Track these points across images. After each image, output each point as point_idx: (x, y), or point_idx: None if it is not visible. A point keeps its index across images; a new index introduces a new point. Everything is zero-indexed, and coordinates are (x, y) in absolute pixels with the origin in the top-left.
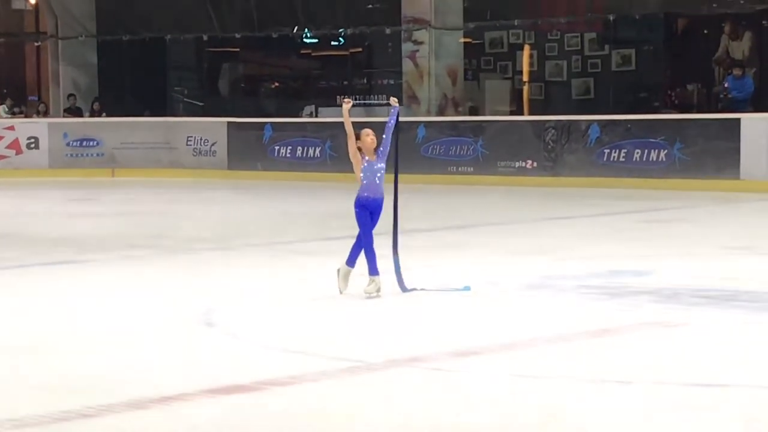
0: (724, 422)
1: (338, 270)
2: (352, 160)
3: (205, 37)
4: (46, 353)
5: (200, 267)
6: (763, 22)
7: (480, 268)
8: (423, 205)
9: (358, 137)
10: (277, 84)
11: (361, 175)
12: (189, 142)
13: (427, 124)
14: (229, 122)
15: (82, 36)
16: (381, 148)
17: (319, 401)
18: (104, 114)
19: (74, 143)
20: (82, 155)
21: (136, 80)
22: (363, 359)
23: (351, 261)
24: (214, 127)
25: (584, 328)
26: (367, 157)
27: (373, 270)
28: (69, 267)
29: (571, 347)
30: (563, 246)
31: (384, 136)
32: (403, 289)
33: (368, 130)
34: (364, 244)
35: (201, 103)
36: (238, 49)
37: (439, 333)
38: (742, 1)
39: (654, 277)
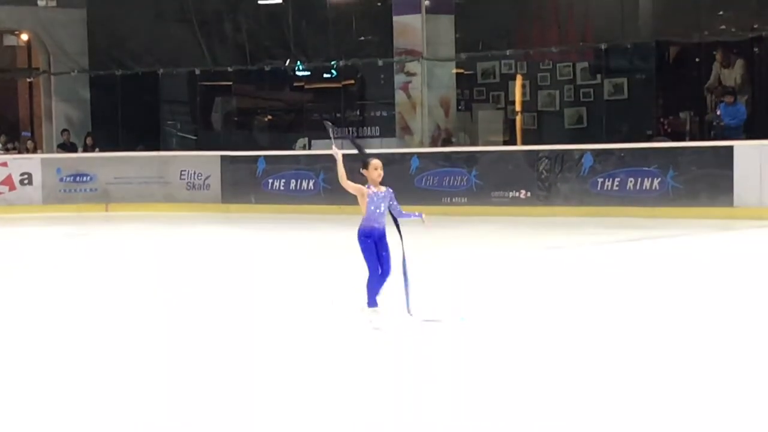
0: None
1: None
2: (354, 193)
3: (197, 71)
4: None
5: (199, 304)
6: (755, 49)
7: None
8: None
9: (366, 166)
10: (269, 117)
11: (368, 205)
12: (182, 176)
13: (421, 155)
14: (222, 156)
15: (74, 71)
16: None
17: None
18: (97, 149)
19: (68, 179)
20: (75, 190)
21: (128, 115)
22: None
23: (372, 301)
24: (208, 160)
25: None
26: (373, 189)
27: (371, 302)
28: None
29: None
30: (559, 276)
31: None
32: (409, 312)
33: (377, 162)
34: (369, 274)
35: (194, 137)
36: (230, 83)
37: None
38: (733, 29)
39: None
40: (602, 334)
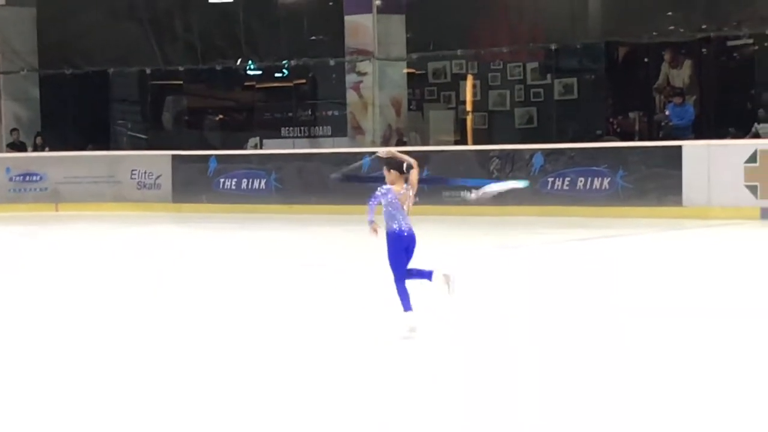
0: None
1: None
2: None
3: (148, 71)
4: None
5: (151, 307)
6: (703, 50)
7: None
8: None
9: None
10: (221, 116)
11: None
12: (133, 176)
13: (374, 155)
14: (173, 155)
15: (24, 70)
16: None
17: None
18: (47, 148)
19: (17, 178)
20: (25, 190)
21: (79, 114)
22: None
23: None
24: (159, 160)
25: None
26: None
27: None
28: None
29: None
30: (512, 275)
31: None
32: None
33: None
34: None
35: (145, 137)
36: (181, 82)
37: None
38: (681, 30)
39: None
40: (550, 332)
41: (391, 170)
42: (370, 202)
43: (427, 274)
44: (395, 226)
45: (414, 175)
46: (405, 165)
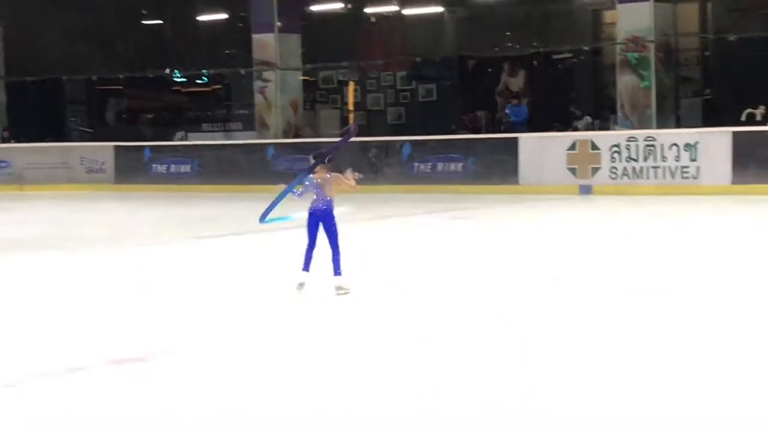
0: None
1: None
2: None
3: (94, 78)
4: None
5: (97, 262)
6: (534, 62)
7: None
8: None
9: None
10: (153, 115)
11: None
12: (83, 162)
13: (276, 145)
14: (115, 146)
15: None
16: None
17: (197, 366)
18: (13, 141)
19: None
20: None
21: (38, 113)
22: (236, 332)
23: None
24: (103, 150)
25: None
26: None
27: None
28: None
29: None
30: (388, 239)
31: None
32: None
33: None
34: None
35: (91, 131)
36: (121, 87)
37: (289, 311)
38: (517, 46)
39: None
40: (410, 291)
41: (319, 164)
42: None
43: (337, 271)
44: (311, 205)
45: (344, 183)
46: (327, 159)
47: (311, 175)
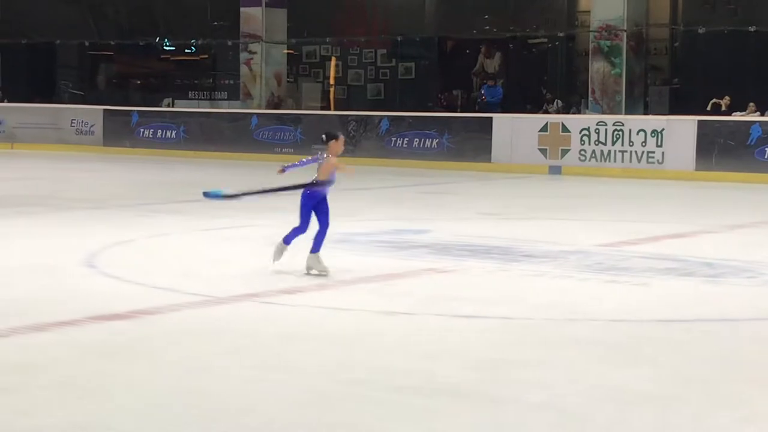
0: (479, 340)
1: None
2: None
3: (86, 43)
4: None
5: (82, 221)
6: (510, 45)
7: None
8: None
9: (337, 138)
10: (141, 81)
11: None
12: (72, 124)
13: (259, 115)
14: (104, 109)
15: None
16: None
17: (180, 326)
18: (6, 100)
19: None
20: None
21: (31, 75)
22: (213, 295)
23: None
24: (93, 113)
25: (378, 273)
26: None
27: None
28: None
29: (368, 287)
30: (360, 209)
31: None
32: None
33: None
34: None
35: (82, 93)
36: (112, 53)
37: (268, 276)
38: (494, 30)
39: (430, 235)
40: (392, 254)
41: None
42: (308, 159)
43: (316, 248)
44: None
45: (331, 163)
46: (325, 137)
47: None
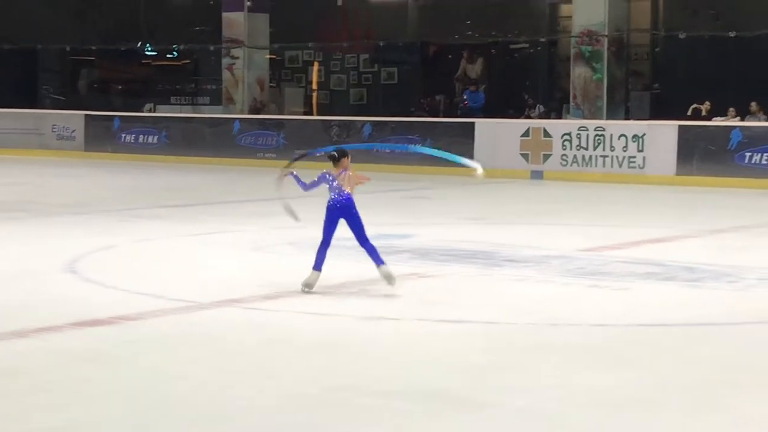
0: (462, 345)
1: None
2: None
3: (68, 48)
4: None
5: (64, 227)
6: (492, 51)
7: (278, 233)
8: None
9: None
10: (124, 86)
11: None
12: (54, 129)
13: (242, 120)
14: (86, 115)
15: None
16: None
17: (162, 331)
18: None
19: None
20: None
21: (12, 80)
22: (195, 300)
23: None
24: (74, 118)
25: (361, 278)
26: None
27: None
28: None
29: (350, 292)
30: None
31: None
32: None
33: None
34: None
35: (64, 99)
36: (93, 58)
37: (250, 282)
38: (477, 35)
39: (413, 240)
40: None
41: (332, 161)
42: (313, 181)
43: (378, 261)
44: (330, 199)
45: (359, 178)
46: (337, 154)
47: (328, 170)
